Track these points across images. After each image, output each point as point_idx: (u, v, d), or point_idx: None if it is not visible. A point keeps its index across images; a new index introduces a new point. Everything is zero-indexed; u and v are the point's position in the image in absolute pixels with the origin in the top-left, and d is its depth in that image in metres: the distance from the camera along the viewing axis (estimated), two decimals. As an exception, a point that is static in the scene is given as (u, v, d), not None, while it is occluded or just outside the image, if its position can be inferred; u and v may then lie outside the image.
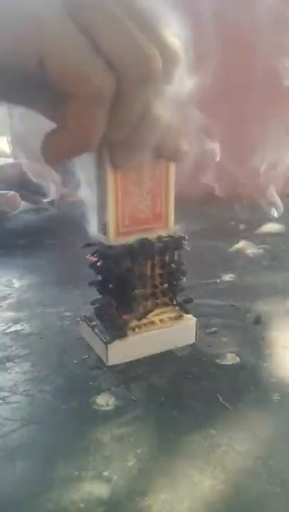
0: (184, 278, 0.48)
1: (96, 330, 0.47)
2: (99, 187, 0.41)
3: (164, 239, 0.45)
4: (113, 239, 0.42)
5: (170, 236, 0.45)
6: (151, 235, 0.44)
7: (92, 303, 0.49)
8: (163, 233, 0.45)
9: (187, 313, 0.49)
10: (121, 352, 0.46)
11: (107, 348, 0.45)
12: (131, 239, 0.43)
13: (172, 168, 0.42)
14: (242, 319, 0.56)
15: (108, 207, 0.41)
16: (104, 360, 0.46)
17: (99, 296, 0.49)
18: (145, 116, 0.33)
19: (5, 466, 0.34)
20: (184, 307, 0.49)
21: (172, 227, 0.45)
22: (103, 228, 0.43)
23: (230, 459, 0.35)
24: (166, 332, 0.47)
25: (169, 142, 0.38)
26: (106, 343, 0.45)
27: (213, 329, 0.53)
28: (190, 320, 0.49)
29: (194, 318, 0.49)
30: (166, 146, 0.38)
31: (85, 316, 0.50)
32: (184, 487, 0.32)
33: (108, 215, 0.41)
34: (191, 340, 0.49)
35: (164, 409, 0.40)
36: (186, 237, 0.46)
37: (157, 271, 0.46)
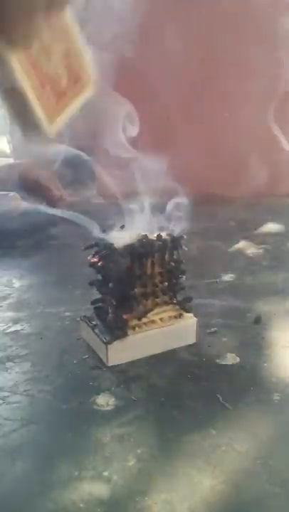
0: (184, 277, 0.48)
1: (96, 330, 0.47)
2: (8, 87, 0.34)
3: (163, 238, 0.45)
4: (50, 128, 0.36)
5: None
6: (75, 104, 0.38)
7: (92, 303, 0.49)
8: (89, 92, 0.38)
9: (187, 311, 0.49)
10: (121, 352, 0.46)
11: (107, 348, 0.45)
12: (62, 118, 0.37)
13: (66, 16, 0.35)
14: (242, 319, 0.56)
15: (29, 96, 0.34)
16: (105, 360, 0.46)
17: (99, 296, 0.49)
18: None
19: (5, 466, 0.34)
20: (184, 306, 0.49)
21: (95, 83, 0.38)
22: (33, 126, 0.36)
23: (230, 459, 0.34)
24: (166, 331, 0.47)
25: None
26: (106, 344, 0.45)
27: (213, 329, 0.53)
28: (190, 319, 0.49)
29: (195, 318, 0.49)
30: None
31: (85, 316, 0.50)
32: (184, 487, 0.32)
33: (34, 105, 0.34)
34: (192, 339, 0.49)
35: (164, 409, 0.40)
36: (185, 237, 0.46)
37: (157, 270, 0.46)
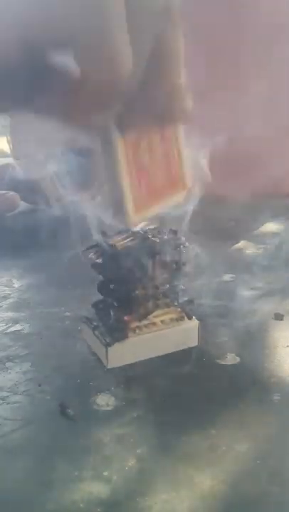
0: (186, 278, 0.48)
1: (96, 332, 0.47)
2: (107, 164, 0.37)
3: (165, 238, 0.45)
4: (133, 217, 0.38)
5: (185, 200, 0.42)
6: (169, 203, 0.40)
7: (93, 305, 0.49)
8: (181, 198, 0.41)
9: (189, 317, 0.48)
10: (121, 354, 0.46)
11: (107, 350, 0.45)
12: (148, 212, 0.39)
13: (180, 128, 0.39)
14: (242, 319, 0.56)
15: (122, 181, 0.37)
16: (105, 362, 0.46)
17: (100, 297, 0.49)
18: (158, 50, 0.31)
19: (5, 466, 0.34)
20: (187, 311, 0.48)
21: (190, 188, 0.41)
22: (119, 209, 0.38)
23: (230, 459, 0.35)
24: (167, 333, 0.47)
25: (175, 97, 0.35)
26: (106, 346, 0.45)
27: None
28: (192, 322, 0.49)
29: (196, 320, 0.49)
30: (172, 102, 0.35)
31: (86, 317, 0.50)
32: (184, 487, 0.32)
33: (124, 191, 0.37)
34: (194, 342, 0.49)
35: (164, 409, 0.40)
36: (185, 238, 0.46)
37: (158, 271, 0.46)
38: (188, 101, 0.36)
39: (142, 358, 0.47)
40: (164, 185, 0.40)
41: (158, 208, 0.40)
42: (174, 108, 0.36)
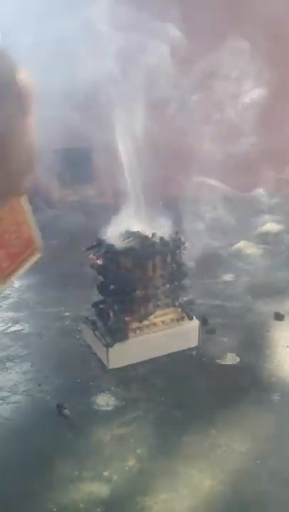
0: (186, 279, 0.48)
1: (97, 332, 0.47)
2: None
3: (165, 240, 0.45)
4: (2, 286, 0.41)
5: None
6: (26, 265, 0.43)
7: (93, 305, 0.49)
8: (36, 259, 0.44)
9: (190, 318, 0.48)
10: (122, 355, 0.46)
11: (108, 351, 0.45)
12: (14, 279, 0.42)
13: (25, 199, 0.40)
14: (242, 319, 0.56)
15: None
16: (106, 363, 0.46)
17: (100, 298, 0.49)
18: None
19: (5, 466, 0.34)
20: (187, 312, 0.48)
21: (41, 248, 0.44)
22: None
23: (230, 459, 0.35)
24: (168, 334, 0.47)
25: (12, 181, 0.35)
26: (107, 347, 0.45)
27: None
28: (192, 322, 0.49)
29: (197, 321, 0.49)
30: (8, 185, 0.36)
31: (86, 318, 0.50)
32: (184, 487, 0.32)
33: None
34: (194, 343, 0.49)
35: (164, 409, 0.40)
36: (185, 239, 0.46)
37: (158, 272, 0.46)
38: (24, 183, 0.36)
39: (143, 359, 0.47)
40: (21, 250, 0.41)
41: (20, 272, 0.41)
42: (10, 190, 0.36)
